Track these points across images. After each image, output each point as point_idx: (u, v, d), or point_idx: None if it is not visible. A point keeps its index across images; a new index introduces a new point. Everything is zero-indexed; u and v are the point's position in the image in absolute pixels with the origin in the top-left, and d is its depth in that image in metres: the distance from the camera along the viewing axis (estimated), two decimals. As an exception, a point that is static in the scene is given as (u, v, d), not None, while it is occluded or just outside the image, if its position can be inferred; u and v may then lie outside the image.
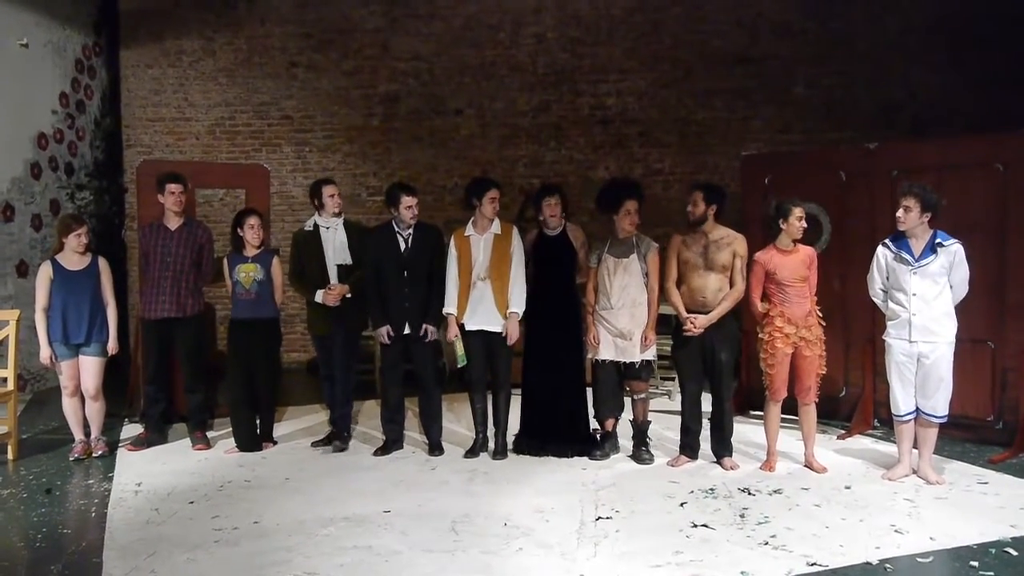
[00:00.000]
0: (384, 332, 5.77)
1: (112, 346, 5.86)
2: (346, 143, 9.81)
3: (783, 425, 5.50)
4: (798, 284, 5.25)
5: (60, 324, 5.69)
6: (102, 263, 5.91)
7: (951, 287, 4.98)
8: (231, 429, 6.14)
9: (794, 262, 5.25)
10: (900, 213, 4.97)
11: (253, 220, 5.98)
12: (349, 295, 5.84)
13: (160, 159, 9.01)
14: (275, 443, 6.10)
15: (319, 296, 5.82)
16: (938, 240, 4.96)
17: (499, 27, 9.74)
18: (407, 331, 5.73)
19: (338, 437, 5.98)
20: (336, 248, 5.89)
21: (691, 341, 5.38)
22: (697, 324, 5.30)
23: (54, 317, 5.71)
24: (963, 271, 4.96)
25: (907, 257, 5.00)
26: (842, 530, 4.31)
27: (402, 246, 5.74)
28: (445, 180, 9.71)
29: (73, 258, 5.79)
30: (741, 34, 9.67)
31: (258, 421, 6.07)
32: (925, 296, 4.95)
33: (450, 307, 5.69)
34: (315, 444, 6.02)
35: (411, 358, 5.87)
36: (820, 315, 5.35)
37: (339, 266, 5.88)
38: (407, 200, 5.71)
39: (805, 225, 5.30)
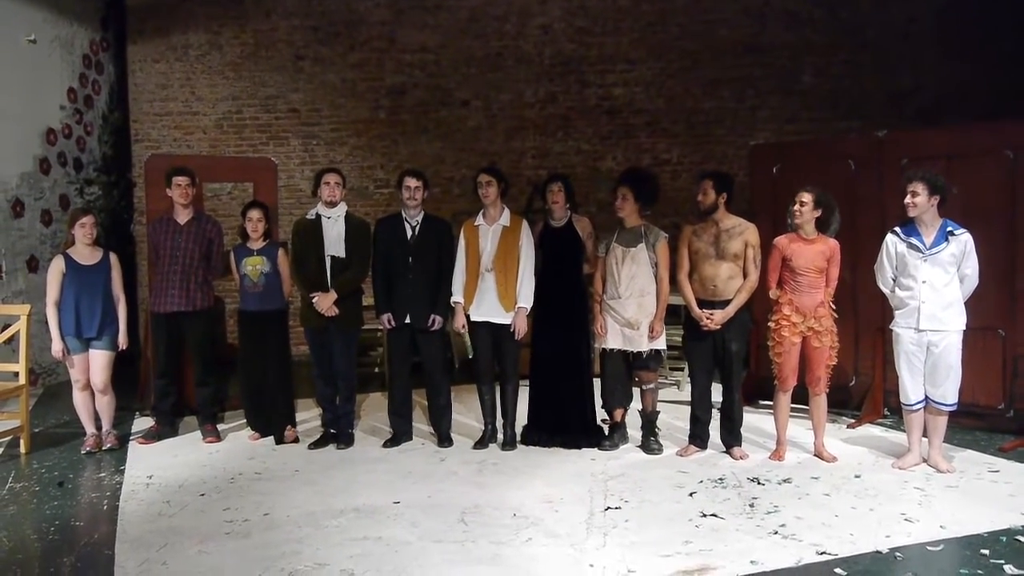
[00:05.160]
0: (386, 320, 5.80)
1: (122, 340, 5.89)
2: (353, 136, 9.81)
3: (793, 415, 5.51)
4: (812, 274, 5.23)
5: (72, 318, 5.71)
6: (113, 258, 5.94)
7: (961, 278, 4.97)
8: (245, 420, 6.20)
9: (812, 252, 5.23)
10: (908, 199, 4.95)
11: (253, 214, 6.00)
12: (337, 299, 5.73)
13: (168, 153, 9.02)
14: (296, 434, 6.01)
15: (314, 299, 5.71)
16: (949, 228, 4.95)
17: (505, 18, 9.72)
18: (408, 320, 5.75)
19: (336, 439, 5.90)
20: (332, 239, 5.78)
21: (703, 332, 5.36)
22: (715, 320, 5.29)
23: (66, 311, 5.73)
24: (973, 261, 4.95)
25: (918, 244, 4.98)
26: (852, 519, 4.31)
27: (409, 233, 5.76)
28: (452, 172, 9.70)
29: (84, 252, 5.81)
30: (748, 23, 9.63)
31: (276, 409, 6.04)
32: (935, 284, 4.94)
33: (457, 296, 5.70)
34: (312, 446, 5.88)
35: (419, 350, 5.88)
36: (834, 307, 5.32)
37: (332, 257, 5.78)
38: (407, 181, 5.75)
39: (815, 213, 5.22)
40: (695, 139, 9.72)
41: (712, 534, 4.15)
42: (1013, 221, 5.74)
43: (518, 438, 5.79)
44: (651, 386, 5.64)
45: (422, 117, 9.79)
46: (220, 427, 6.26)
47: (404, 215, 5.81)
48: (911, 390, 5.09)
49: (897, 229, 5.12)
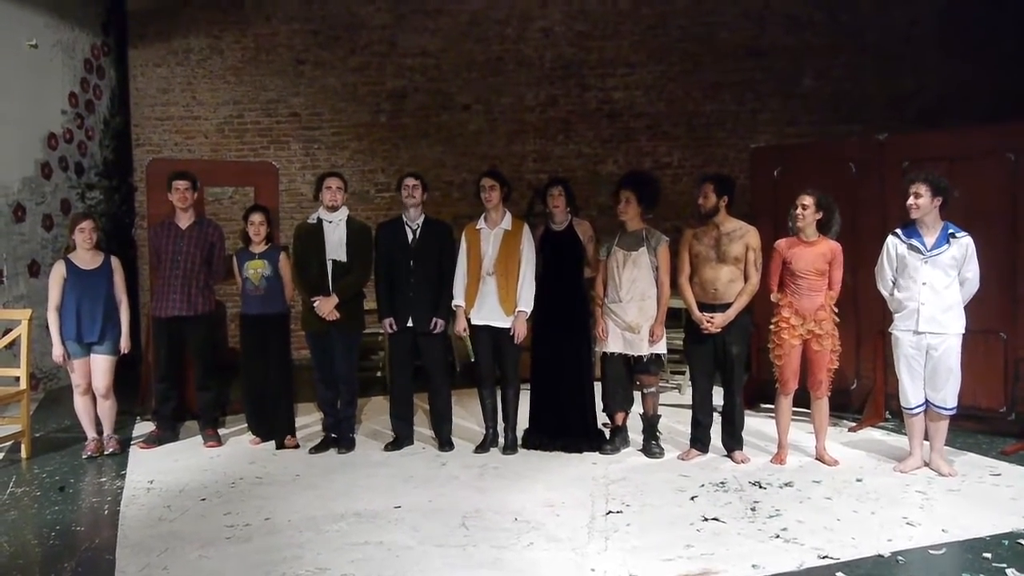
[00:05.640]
0: (387, 324, 5.80)
1: (124, 345, 5.89)
2: (354, 140, 9.82)
3: (794, 418, 5.50)
4: (812, 277, 5.22)
5: (74, 323, 5.72)
6: (115, 262, 5.94)
7: (962, 282, 4.96)
8: (246, 424, 6.21)
9: (812, 254, 5.22)
10: (911, 200, 4.94)
11: (255, 217, 6.01)
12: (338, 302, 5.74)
13: (169, 157, 9.02)
14: (297, 442, 6.00)
15: (316, 303, 5.73)
16: (951, 231, 4.94)
17: (506, 22, 9.73)
18: (410, 323, 5.75)
19: (337, 443, 5.89)
20: (333, 243, 5.78)
21: (704, 335, 5.36)
22: (715, 323, 5.29)
23: (67, 316, 5.73)
24: (974, 265, 4.94)
25: (919, 246, 4.97)
26: (854, 523, 4.30)
27: (410, 237, 5.77)
28: (453, 176, 9.71)
29: (86, 257, 5.82)
30: (749, 26, 9.63)
31: (277, 416, 6.03)
32: (935, 286, 4.93)
33: (459, 299, 5.70)
34: (313, 450, 5.87)
35: (420, 354, 5.87)
36: (836, 311, 5.31)
37: (333, 261, 5.77)
38: (406, 180, 5.79)
39: (817, 215, 5.21)
40: (696, 142, 9.73)
41: (714, 538, 4.14)
42: (1014, 223, 5.73)
43: (519, 442, 5.78)
44: (652, 390, 5.63)
45: (423, 121, 9.80)
46: (221, 431, 6.26)
47: (405, 219, 5.82)
48: (911, 394, 5.09)
49: (898, 231, 5.11)
